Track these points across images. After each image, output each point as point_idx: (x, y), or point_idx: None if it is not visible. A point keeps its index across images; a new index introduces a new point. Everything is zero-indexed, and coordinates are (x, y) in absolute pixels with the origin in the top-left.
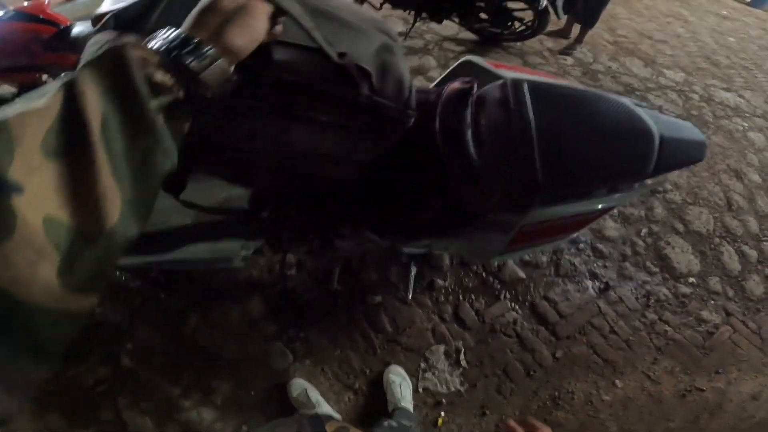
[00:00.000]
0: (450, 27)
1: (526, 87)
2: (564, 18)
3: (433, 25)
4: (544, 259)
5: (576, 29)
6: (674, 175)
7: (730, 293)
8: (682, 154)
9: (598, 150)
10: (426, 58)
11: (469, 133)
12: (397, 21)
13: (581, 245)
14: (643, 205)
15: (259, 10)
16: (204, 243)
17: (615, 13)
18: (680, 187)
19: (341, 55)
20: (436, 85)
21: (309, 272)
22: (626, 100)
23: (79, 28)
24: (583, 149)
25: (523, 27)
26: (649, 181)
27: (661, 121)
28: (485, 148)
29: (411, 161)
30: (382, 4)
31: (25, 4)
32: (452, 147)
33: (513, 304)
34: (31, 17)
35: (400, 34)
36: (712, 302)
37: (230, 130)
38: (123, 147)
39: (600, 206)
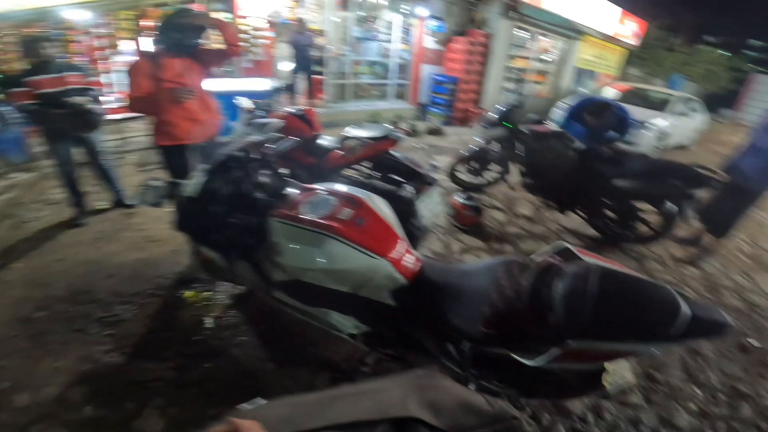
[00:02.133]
0: (574, 220)
1: (598, 270)
2: (694, 223)
3: (558, 215)
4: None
5: (708, 237)
6: None
7: None
8: (706, 330)
9: (636, 322)
10: (541, 244)
11: (547, 294)
12: (526, 204)
13: (643, 429)
14: (727, 406)
15: None
16: (335, 311)
17: (764, 221)
18: None
19: None
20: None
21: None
22: (670, 288)
23: (323, 141)
24: (623, 319)
25: (649, 230)
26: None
27: (695, 304)
28: (555, 304)
29: (510, 306)
30: (515, 187)
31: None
32: (534, 302)
33: None
34: (302, 116)
35: (525, 216)
36: None
37: None
38: None
39: (632, 350)
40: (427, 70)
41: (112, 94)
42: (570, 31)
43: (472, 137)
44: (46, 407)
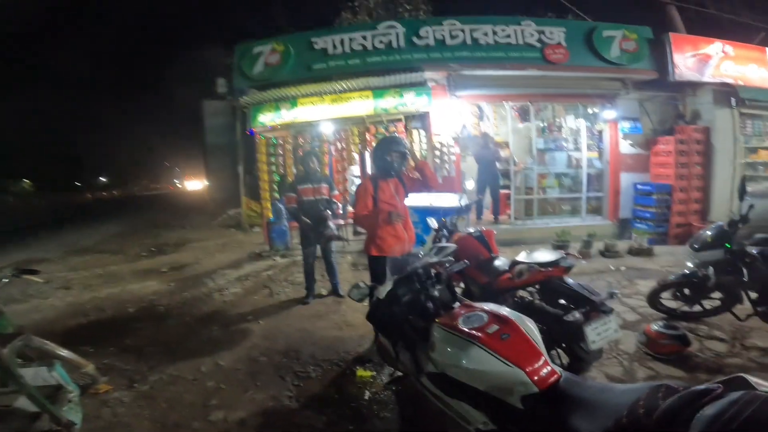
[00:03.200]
0: None
1: (764, 397)
2: None
3: None
4: None
5: None
6: None
7: None
8: None
9: None
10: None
11: (687, 414)
12: (763, 335)
13: None
14: None
15: None
16: (468, 405)
17: None
18: None
19: None
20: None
21: None
22: None
23: (498, 262)
24: None
25: None
26: None
27: None
28: (693, 425)
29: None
30: (746, 318)
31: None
32: (664, 420)
33: None
34: (480, 238)
35: (759, 348)
36: None
37: None
38: None
39: None
40: (628, 179)
41: (344, 202)
42: None
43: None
44: (227, 426)
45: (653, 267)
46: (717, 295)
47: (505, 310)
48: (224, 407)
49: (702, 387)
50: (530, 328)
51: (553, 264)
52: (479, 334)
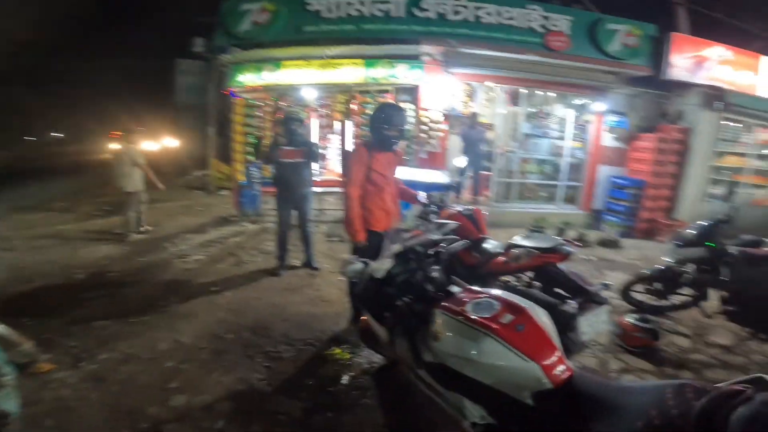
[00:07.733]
0: None
1: None
2: None
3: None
4: None
5: None
6: None
7: None
8: None
9: None
10: (735, 374)
11: (721, 416)
12: (724, 333)
13: None
14: None
15: None
16: (468, 399)
17: None
18: None
19: None
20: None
21: None
22: None
23: (488, 244)
24: None
25: None
26: None
27: None
28: (730, 427)
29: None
30: (712, 315)
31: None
32: (701, 422)
33: None
34: (471, 217)
35: (720, 346)
36: None
37: None
38: None
39: None
40: (605, 172)
41: (322, 169)
42: None
43: (656, 253)
44: (191, 412)
45: (620, 259)
46: (686, 291)
47: (516, 298)
48: (187, 391)
49: (731, 388)
50: (543, 318)
51: (552, 250)
52: (493, 324)
